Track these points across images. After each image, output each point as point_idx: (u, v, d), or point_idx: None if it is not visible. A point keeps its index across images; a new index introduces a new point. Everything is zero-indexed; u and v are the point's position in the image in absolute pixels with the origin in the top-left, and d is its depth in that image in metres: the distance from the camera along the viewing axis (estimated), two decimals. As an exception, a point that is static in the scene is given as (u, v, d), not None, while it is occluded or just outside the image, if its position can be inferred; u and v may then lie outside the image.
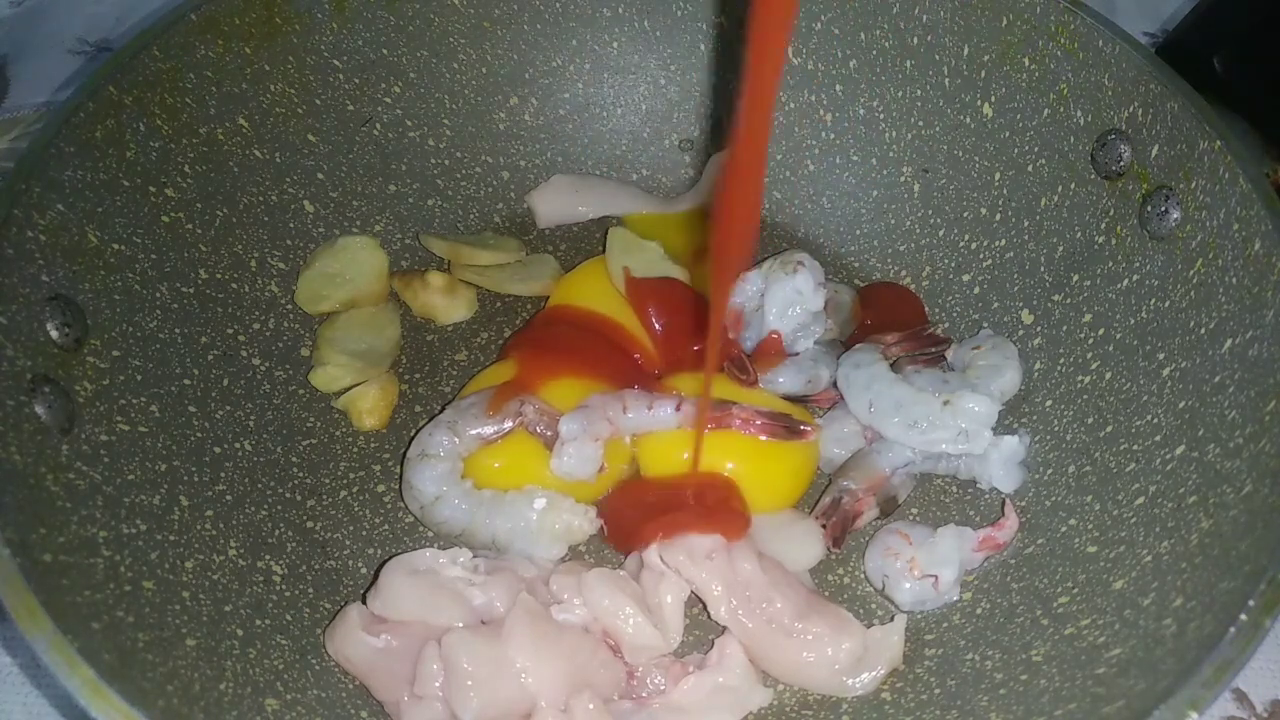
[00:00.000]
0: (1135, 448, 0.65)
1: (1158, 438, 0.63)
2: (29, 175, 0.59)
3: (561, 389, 0.71)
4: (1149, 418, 0.64)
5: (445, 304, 0.81)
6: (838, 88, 0.84)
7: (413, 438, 0.71)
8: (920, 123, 0.81)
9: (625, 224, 0.86)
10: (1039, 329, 0.75)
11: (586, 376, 0.73)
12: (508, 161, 0.88)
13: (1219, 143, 0.62)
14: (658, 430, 0.70)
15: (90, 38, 1.07)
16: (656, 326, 0.76)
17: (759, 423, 0.69)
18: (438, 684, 0.58)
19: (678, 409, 0.69)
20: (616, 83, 0.90)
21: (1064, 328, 0.73)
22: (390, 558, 0.64)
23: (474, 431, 0.69)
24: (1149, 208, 0.67)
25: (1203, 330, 0.62)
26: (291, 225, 0.79)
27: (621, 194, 0.88)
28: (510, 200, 0.89)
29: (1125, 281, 0.69)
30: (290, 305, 0.78)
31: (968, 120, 0.78)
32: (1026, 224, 0.76)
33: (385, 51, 0.81)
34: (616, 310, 0.77)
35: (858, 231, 0.86)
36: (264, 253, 0.77)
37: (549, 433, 0.69)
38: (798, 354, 0.75)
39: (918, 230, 0.83)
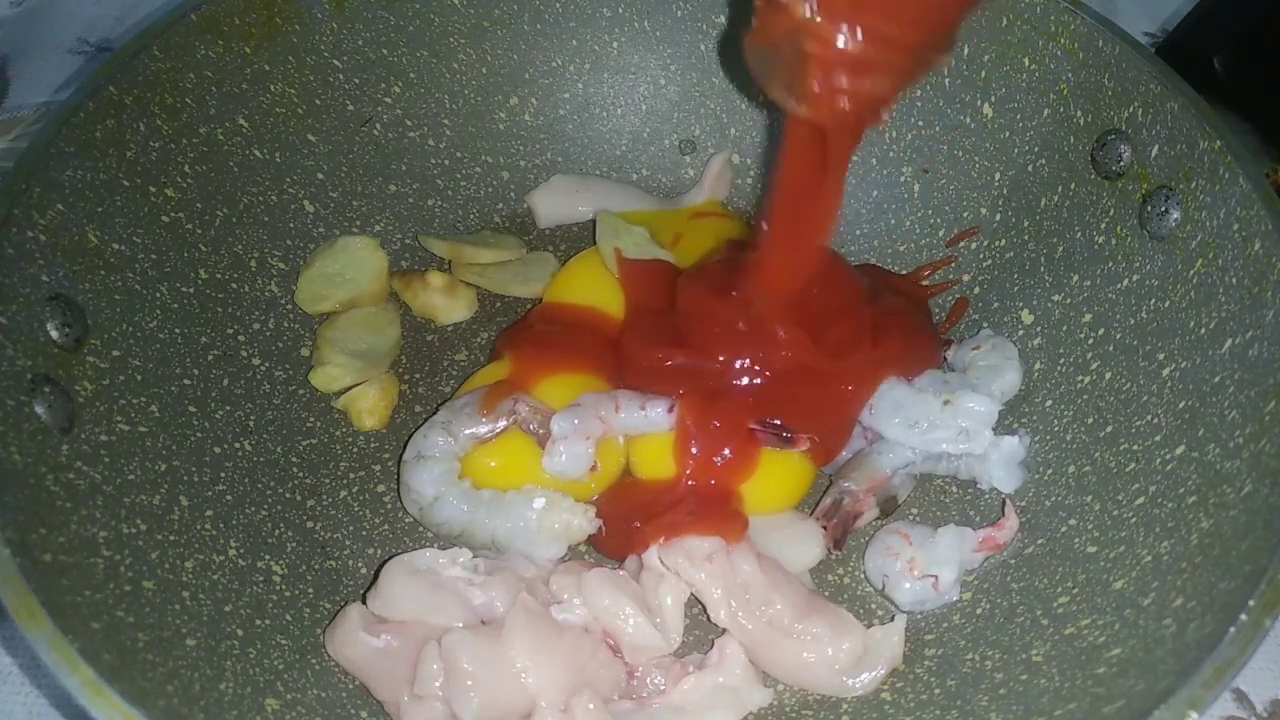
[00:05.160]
0: (1135, 448, 0.65)
1: (1158, 438, 0.63)
2: (29, 175, 0.59)
3: (556, 387, 0.71)
4: (1149, 418, 0.64)
5: (445, 304, 0.82)
6: (838, 88, 0.84)
7: (408, 440, 0.71)
8: (920, 123, 0.81)
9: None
10: (1039, 329, 0.75)
11: (581, 373, 0.73)
12: (508, 161, 0.89)
13: (1219, 143, 0.62)
14: (651, 432, 0.70)
15: (90, 38, 1.07)
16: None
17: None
18: (438, 684, 0.58)
19: (670, 410, 0.69)
20: (616, 83, 0.90)
21: (1064, 328, 0.73)
22: (390, 558, 0.64)
23: (468, 431, 0.69)
24: (1149, 208, 0.67)
25: (1203, 330, 0.62)
26: (291, 225, 0.79)
27: (621, 194, 0.87)
28: (510, 200, 0.89)
29: (1125, 281, 0.69)
30: (290, 305, 0.78)
31: (968, 120, 0.78)
32: (1026, 224, 0.76)
33: (385, 51, 0.81)
34: (609, 303, 0.77)
35: (858, 231, 0.86)
36: (264, 253, 0.77)
37: (542, 431, 0.69)
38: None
39: (918, 230, 0.83)
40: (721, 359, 0.70)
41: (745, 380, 0.70)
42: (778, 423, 0.68)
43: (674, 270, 0.78)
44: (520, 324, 0.80)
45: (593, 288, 0.78)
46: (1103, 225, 0.70)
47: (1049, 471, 0.70)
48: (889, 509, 0.71)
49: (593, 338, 0.75)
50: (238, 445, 0.70)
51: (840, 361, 0.70)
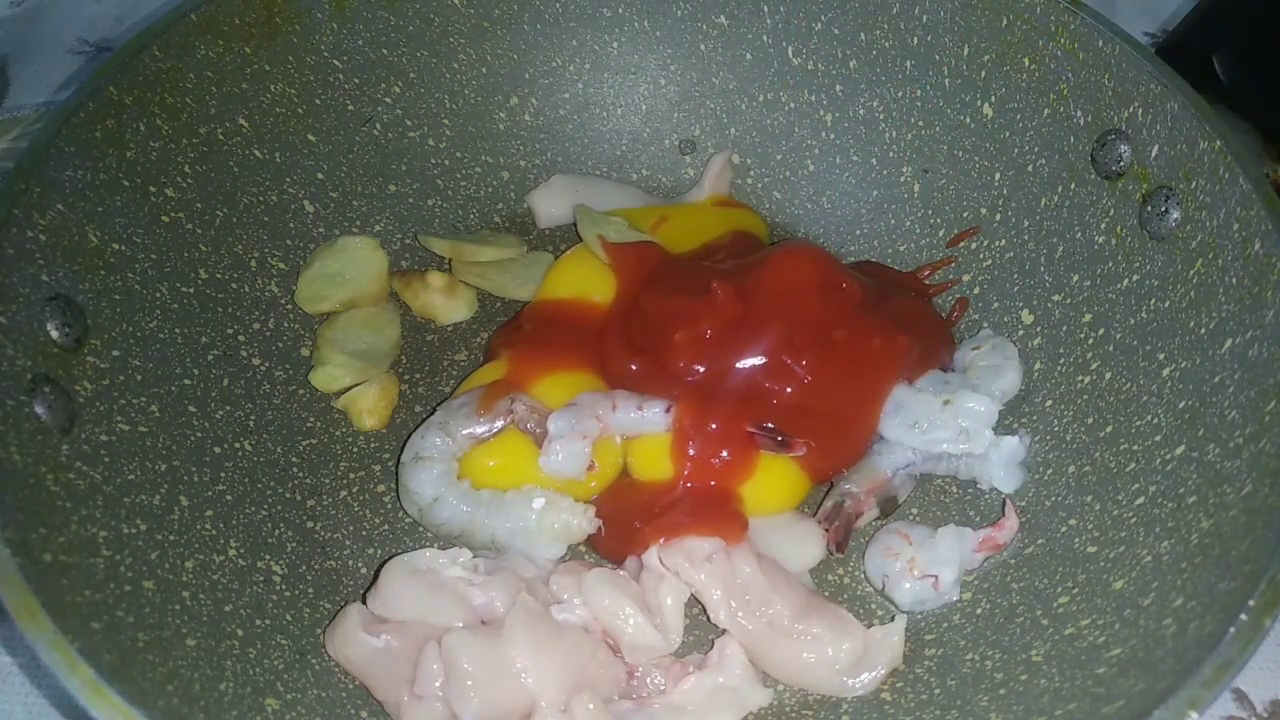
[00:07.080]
0: (1135, 448, 0.65)
1: (1158, 438, 0.63)
2: (29, 175, 0.59)
3: (554, 385, 0.71)
4: (1149, 418, 0.64)
5: (445, 304, 0.82)
6: (838, 88, 0.84)
7: (406, 441, 0.71)
8: (920, 123, 0.81)
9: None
10: (1039, 329, 0.75)
11: (579, 371, 0.73)
12: (508, 161, 0.89)
13: (1219, 143, 0.62)
14: (648, 433, 0.70)
15: (90, 38, 1.07)
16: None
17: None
18: (438, 684, 0.58)
19: (667, 411, 0.69)
20: (616, 83, 0.90)
21: (1064, 328, 0.73)
22: (390, 558, 0.64)
23: (466, 431, 0.69)
24: (1149, 208, 0.67)
25: (1203, 330, 0.62)
26: (291, 225, 0.79)
27: (621, 194, 0.88)
28: (510, 200, 0.89)
29: (1125, 281, 0.69)
30: (290, 305, 0.78)
31: (968, 120, 0.78)
32: (1026, 224, 0.76)
33: (385, 51, 0.81)
34: (602, 295, 0.77)
35: (858, 231, 0.86)
36: (264, 253, 0.77)
37: (539, 430, 0.69)
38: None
39: (918, 230, 0.83)
40: (688, 366, 0.70)
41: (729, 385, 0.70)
42: (772, 426, 0.68)
43: (661, 250, 0.78)
44: (512, 323, 0.80)
45: (585, 281, 0.78)
46: (1103, 225, 0.70)
47: (1049, 471, 0.70)
48: (889, 509, 0.71)
49: (588, 334, 0.75)
50: (238, 445, 0.70)
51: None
